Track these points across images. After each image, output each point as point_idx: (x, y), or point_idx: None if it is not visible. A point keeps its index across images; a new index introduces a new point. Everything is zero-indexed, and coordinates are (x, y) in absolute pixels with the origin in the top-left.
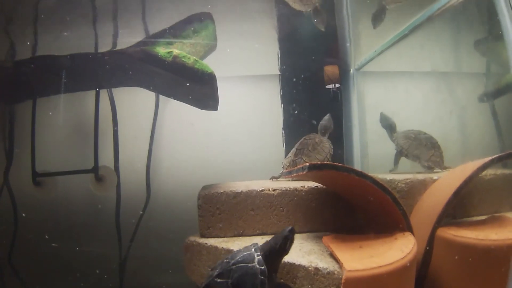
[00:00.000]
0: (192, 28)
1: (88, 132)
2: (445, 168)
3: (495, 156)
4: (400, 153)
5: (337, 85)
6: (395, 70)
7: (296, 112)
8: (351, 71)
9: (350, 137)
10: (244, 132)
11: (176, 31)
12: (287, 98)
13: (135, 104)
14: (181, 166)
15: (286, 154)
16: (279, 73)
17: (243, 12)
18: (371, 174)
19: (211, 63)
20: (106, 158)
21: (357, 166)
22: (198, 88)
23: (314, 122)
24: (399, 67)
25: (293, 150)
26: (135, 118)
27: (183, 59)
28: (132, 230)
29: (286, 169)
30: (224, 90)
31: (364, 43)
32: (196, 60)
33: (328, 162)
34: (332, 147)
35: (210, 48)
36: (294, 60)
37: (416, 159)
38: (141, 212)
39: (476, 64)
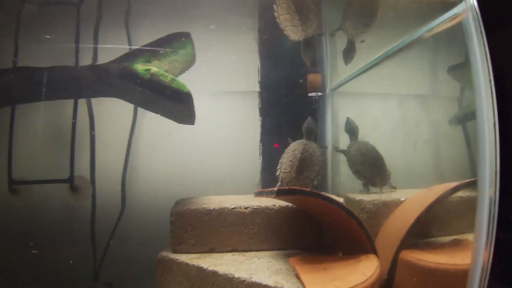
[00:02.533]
0: (171, 47)
1: (66, 140)
2: (389, 188)
3: (459, 183)
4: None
5: (319, 94)
6: (370, 91)
7: (274, 125)
8: (327, 91)
9: (324, 156)
10: (221, 142)
11: (154, 49)
12: (265, 111)
13: (113, 113)
14: (158, 177)
15: (263, 166)
16: (258, 85)
17: (223, 26)
18: (342, 192)
19: (189, 76)
20: (82, 168)
21: (329, 184)
22: (174, 106)
23: (289, 139)
24: (374, 89)
25: (290, 163)
26: (113, 127)
27: (160, 77)
28: (107, 240)
29: (286, 185)
30: (203, 102)
31: (340, 64)
32: (173, 78)
33: (295, 188)
34: (321, 151)
35: (188, 64)
36: (274, 73)
37: (357, 174)
38: (115, 224)
39: (451, 88)
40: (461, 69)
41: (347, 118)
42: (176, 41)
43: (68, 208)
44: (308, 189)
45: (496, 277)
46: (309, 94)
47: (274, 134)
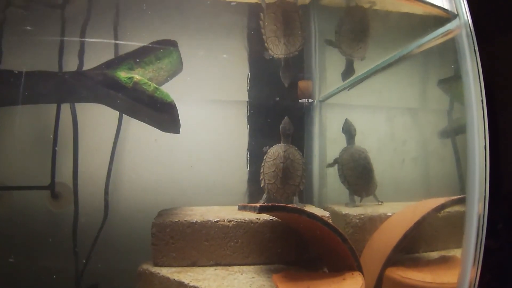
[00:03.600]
0: (155, 55)
1: (49, 146)
2: (376, 202)
3: (446, 200)
4: (335, 161)
5: (310, 100)
6: (359, 103)
7: (262, 133)
8: (315, 102)
9: (310, 167)
10: (208, 150)
11: (138, 56)
12: (253, 119)
13: (97, 118)
14: (143, 184)
15: (250, 176)
16: (247, 93)
17: (213, 33)
18: (328, 205)
19: (176, 83)
20: (65, 174)
21: (315, 196)
22: (157, 115)
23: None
24: (363, 101)
25: (273, 174)
26: (97, 131)
27: (143, 86)
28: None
29: (273, 195)
30: (190, 109)
31: (329, 76)
32: (156, 88)
33: (278, 204)
34: (301, 154)
35: (175, 71)
36: (263, 82)
37: (342, 178)
38: (97, 232)
39: (441, 101)
40: (451, 82)
41: (346, 119)
42: (161, 48)
43: (49, 215)
44: (291, 206)
45: (484, 287)
46: (300, 101)
47: (262, 143)
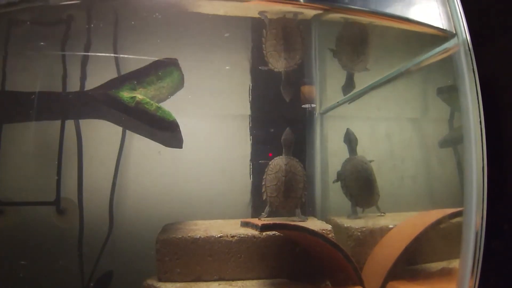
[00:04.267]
0: (156, 75)
1: (54, 161)
2: (378, 212)
3: (446, 214)
4: (339, 176)
5: (313, 105)
6: (360, 115)
7: (265, 144)
8: (316, 115)
9: (313, 179)
10: (212, 161)
11: (140, 77)
12: (256, 130)
13: (101, 132)
14: (147, 196)
15: (253, 187)
16: (249, 105)
17: (216, 48)
18: (331, 217)
19: (179, 97)
20: (70, 188)
21: (318, 209)
22: (160, 133)
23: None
24: (364, 113)
25: (275, 187)
26: (101, 146)
27: (145, 105)
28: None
29: (276, 208)
30: (193, 122)
31: (329, 89)
32: (158, 107)
33: (279, 222)
34: (302, 166)
35: (176, 88)
36: (265, 92)
37: (344, 189)
38: (101, 247)
39: (442, 110)
40: (451, 92)
41: (347, 129)
42: (162, 68)
43: (55, 230)
44: (292, 223)
45: None
46: (303, 106)
47: (265, 153)
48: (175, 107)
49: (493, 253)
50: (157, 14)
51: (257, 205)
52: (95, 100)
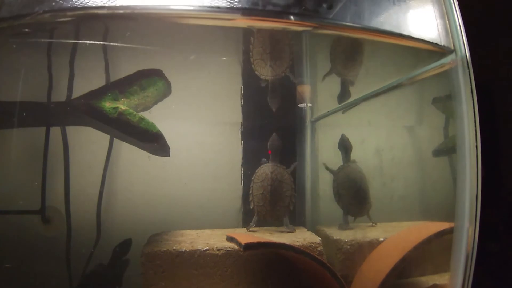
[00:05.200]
0: (139, 85)
1: (39, 169)
2: (369, 222)
3: (439, 230)
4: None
5: (309, 105)
6: (352, 123)
7: (256, 149)
8: (307, 122)
9: (303, 189)
10: (202, 166)
11: (122, 86)
12: (247, 135)
13: (88, 138)
14: (136, 202)
15: (244, 192)
16: (241, 110)
17: (207, 53)
18: (320, 227)
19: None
20: (56, 197)
21: (307, 219)
22: (143, 145)
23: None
24: (356, 122)
25: (261, 196)
26: (88, 152)
27: (128, 116)
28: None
29: (263, 217)
30: (183, 126)
31: (320, 97)
32: (141, 118)
33: (264, 241)
34: (289, 173)
35: (162, 96)
36: (257, 96)
37: (337, 197)
38: (89, 255)
39: (437, 119)
40: (446, 101)
41: (342, 135)
42: (145, 78)
43: (41, 239)
44: (277, 242)
45: None
46: (298, 105)
47: (257, 159)
48: (164, 112)
49: (488, 255)
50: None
51: (248, 211)
52: (76, 110)
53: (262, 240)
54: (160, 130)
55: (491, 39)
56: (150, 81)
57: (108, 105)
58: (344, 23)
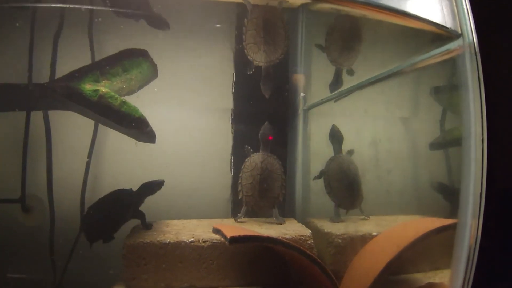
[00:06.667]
0: (121, 65)
1: (19, 155)
2: (362, 215)
3: (433, 228)
4: (321, 174)
5: (303, 94)
6: (346, 112)
7: (247, 137)
8: (299, 110)
9: (293, 179)
10: (191, 154)
11: (103, 67)
12: (238, 122)
13: (72, 123)
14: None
15: (233, 181)
16: (232, 97)
17: (198, 36)
18: (311, 220)
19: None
20: (37, 185)
21: (298, 210)
22: (126, 130)
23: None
24: (350, 110)
25: (251, 186)
26: (73, 138)
27: (109, 99)
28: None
29: (252, 208)
30: (171, 112)
31: (314, 85)
32: (123, 102)
33: (250, 235)
34: (281, 163)
35: (148, 79)
36: (249, 83)
37: (328, 189)
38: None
39: (434, 110)
40: (445, 92)
41: (333, 125)
42: (128, 59)
43: (23, 228)
44: (265, 236)
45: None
46: (291, 93)
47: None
48: (152, 97)
49: (480, 251)
50: None
51: (237, 201)
52: (55, 92)
53: (248, 234)
54: (148, 115)
55: (500, 24)
56: (134, 62)
57: (88, 87)
58: None
